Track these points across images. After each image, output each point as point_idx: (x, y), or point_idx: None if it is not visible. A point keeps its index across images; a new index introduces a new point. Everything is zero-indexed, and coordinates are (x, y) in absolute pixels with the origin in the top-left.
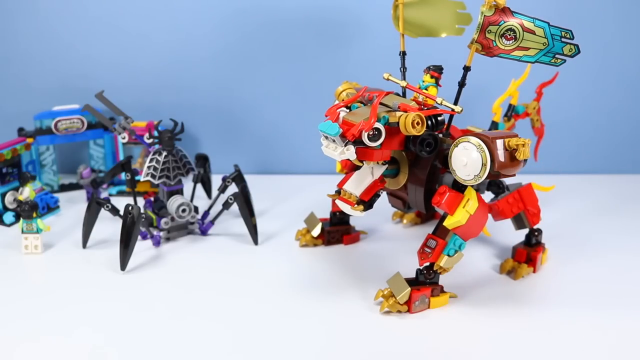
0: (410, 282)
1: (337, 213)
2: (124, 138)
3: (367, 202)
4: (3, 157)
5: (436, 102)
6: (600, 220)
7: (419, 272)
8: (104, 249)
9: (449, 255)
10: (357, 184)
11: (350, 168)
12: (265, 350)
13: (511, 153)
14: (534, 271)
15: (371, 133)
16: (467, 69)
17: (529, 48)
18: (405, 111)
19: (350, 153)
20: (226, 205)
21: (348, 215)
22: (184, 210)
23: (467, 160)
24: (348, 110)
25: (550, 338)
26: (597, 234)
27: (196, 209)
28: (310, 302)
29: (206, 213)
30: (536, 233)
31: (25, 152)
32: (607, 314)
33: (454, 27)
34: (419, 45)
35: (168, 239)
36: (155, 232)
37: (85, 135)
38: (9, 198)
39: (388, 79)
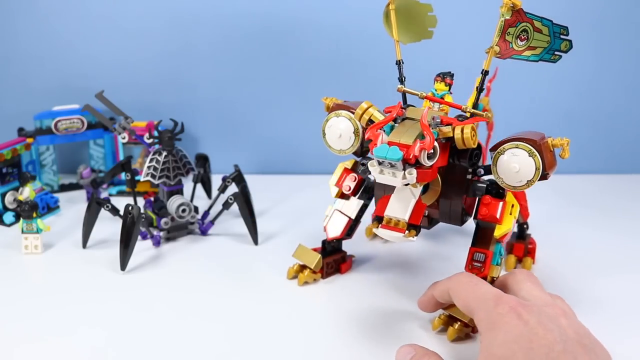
0: None
1: (333, 241)
2: (124, 138)
3: (417, 225)
4: (3, 157)
5: (463, 110)
6: (600, 220)
7: None
8: (104, 249)
9: (497, 264)
10: (402, 209)
11: (354, 192)
12: (265, 350)
13: (552, 152)
14: (534, 262)
15: (432, 152)
16: (485, 73)
17: (536, 47)
18: (450, 124)
19: (412, 177)
20: (226, 205)
21: (341, 242)
22: (184, 210)
23: (519, 166)
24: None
25: None
26: (597, 234)
27: (196, 209)
28: (310, 302)
29: (206, 213)
30: (525, 226)
31: (25, 152)
32: (606, 314)
33: (427, 30)
34: (419, 48)
35: (168, 239)
36: (155, 232)
37: (85, 135)
38: (9, 198)
39: (404, 92)
